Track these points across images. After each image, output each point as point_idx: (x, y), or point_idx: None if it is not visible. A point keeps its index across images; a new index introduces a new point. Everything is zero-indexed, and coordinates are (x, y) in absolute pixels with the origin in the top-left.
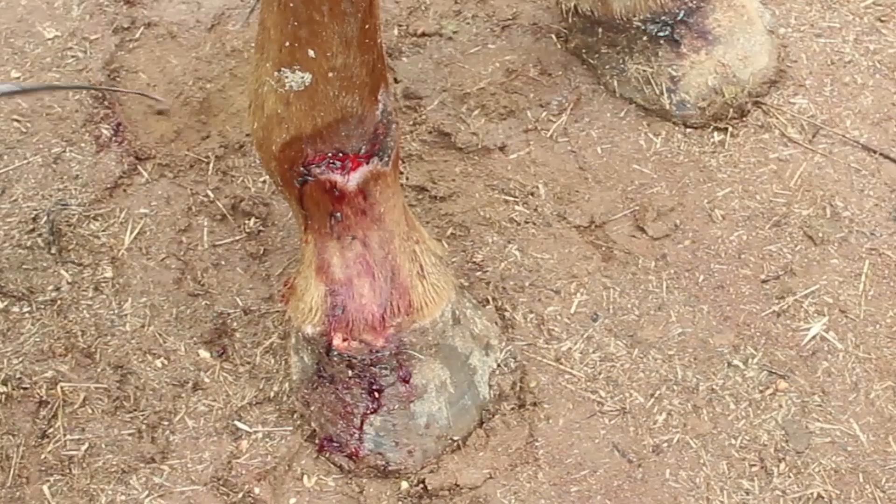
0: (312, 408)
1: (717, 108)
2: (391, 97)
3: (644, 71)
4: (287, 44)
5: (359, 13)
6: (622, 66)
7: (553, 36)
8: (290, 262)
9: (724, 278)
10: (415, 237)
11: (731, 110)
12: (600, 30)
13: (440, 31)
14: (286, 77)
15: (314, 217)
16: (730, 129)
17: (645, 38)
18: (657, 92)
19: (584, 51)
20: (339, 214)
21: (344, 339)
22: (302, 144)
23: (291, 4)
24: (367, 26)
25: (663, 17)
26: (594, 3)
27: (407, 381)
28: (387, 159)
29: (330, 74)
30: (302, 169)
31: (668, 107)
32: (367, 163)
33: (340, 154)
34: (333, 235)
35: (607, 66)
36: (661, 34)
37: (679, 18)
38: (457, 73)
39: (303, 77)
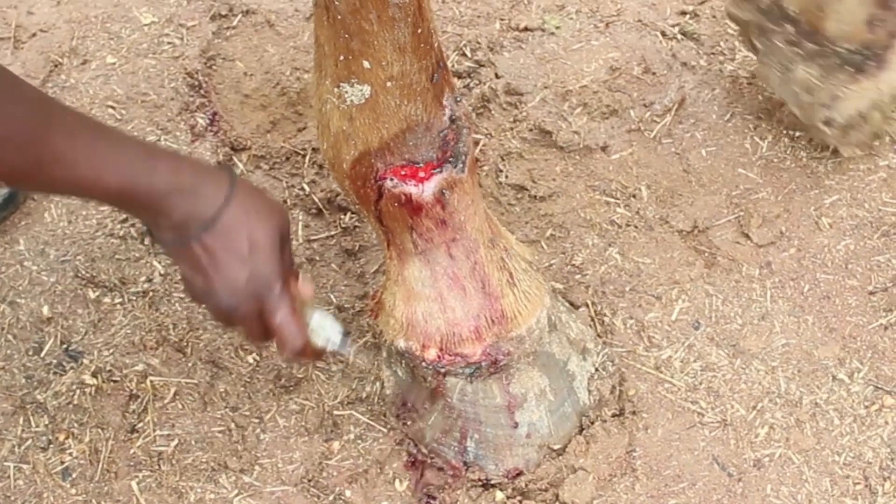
0: (409, 423)
1: (861, 137)
2: (458, 102)
3: (813, 81)
4: (342, 57)
5: (408, 17)
6: (791, 66)
7: (658, 34)
8: (385, 259)
9: (830, 289)
10: (501, 244)
11: (873, 137)
12: (790, 28)
13: (543, 27)
14: (346, 92)
15: (395, 232)
16: None
17: (838, 60)
18: (812, 102)
19: (754, 29)
20: (418, 227)
21: (439, 354)
22: (371, 159)
23: (339, 17)
24: (419, 31)
25: (871, 49)
26: (805, 11)
27: (506, 392)
28: (461, 165)
29: (388, 84)
30: (375, 184)
31: (815, 121)
32: (441, 171)
33: (412, 165)
34: (417, 249)
35: (773, 57)
36: (858, 61)
37: (877, 51)
38: (559, 69)
39: (362, 89)
